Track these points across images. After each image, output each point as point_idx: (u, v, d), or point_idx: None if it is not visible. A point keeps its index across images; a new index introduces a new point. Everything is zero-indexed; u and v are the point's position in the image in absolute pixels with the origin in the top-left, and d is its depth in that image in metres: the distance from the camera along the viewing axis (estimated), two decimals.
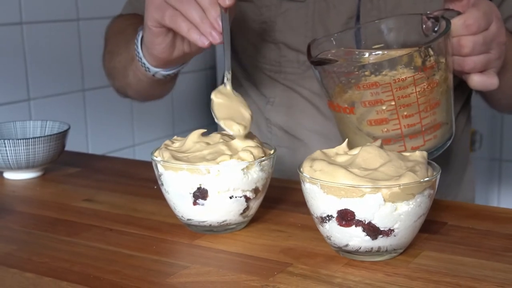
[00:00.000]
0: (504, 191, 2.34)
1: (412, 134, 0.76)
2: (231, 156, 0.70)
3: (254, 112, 1.06)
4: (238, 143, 0.74)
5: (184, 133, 0.79)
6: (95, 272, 0.65)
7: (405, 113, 0.75)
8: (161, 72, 0.91)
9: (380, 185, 0.62)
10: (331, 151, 0.70)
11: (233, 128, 0.73)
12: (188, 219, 0.73)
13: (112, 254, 0.69)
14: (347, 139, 0.72)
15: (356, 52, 0.79)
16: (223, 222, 0.73)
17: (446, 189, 1.07)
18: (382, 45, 0.82)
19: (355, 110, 0.76)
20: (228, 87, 0.77)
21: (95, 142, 1.70)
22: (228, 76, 0.77)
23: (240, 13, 1.02)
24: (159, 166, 0.73)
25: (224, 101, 0.76)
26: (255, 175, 0.72)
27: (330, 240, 0.67)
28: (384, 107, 0.74)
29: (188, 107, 1.99)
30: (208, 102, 1.92)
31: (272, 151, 0.75)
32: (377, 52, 0.77)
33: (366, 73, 0.74)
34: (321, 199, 0.64)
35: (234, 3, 0.76)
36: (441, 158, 1.06)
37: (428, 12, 0.78)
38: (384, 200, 0.62)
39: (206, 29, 0.77)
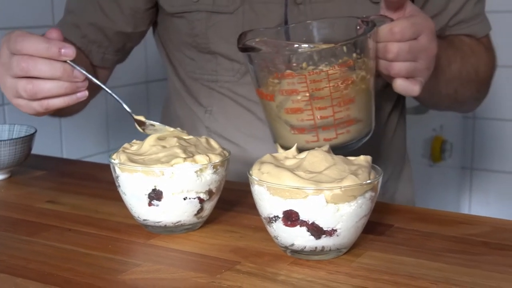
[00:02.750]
0: (475, 199, 2.38)
1: (325, 126, 0.79)
2: (185, 159, 0.73)
3: (194, 121, 1.11)
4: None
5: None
6: (50, 269, 0.67)
7: (318, 105, 0.78)
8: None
9: (323, 187, 0.65)
10: (280, 155, 0.73)
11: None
12: (144, 220, 0.76)
13: (68, 252, 0.72)
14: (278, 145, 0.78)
15: (282, 44, 0.82)
16: (177, 222, 0.76)
17: (383, 187, 1.11)
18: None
19: (274, 97, 0.79)
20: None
21: (69, 148, 1.72)
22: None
23: (174, 28, 1.06)
24: (116, 168, 0.75)
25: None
26: (209, 178, 0.75)
27: (278, 240, 0.70)
28: (299, 97, 0.78)
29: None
30: None
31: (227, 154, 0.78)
32: (303, 45, 0.80)
33: (287, 63, 0.77)
34: (268, 200, 0.67)
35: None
36: (374, 156, 1.11)
37: (364, 16, 0.81)
38: (326, 202, 0.65)
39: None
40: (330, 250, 0.68)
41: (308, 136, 0.80)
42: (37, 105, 0.83)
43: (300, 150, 0.74)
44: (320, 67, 0.76)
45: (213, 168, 0.75)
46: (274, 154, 0.73)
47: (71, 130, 1.72)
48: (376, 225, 0.77)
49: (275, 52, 0.80)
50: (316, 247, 0.68)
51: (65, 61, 0.80)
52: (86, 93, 0.82)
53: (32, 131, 1.01)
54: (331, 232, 0.67)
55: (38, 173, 1.03)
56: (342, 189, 0.65)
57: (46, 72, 0.80)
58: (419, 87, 0.81)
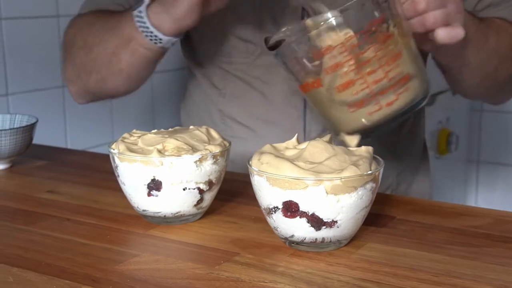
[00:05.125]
0: (481, 192, 2.37)
1: (382, 90, 0.75)
2: (178, 149, 0.73)
3: (208, 105, 1.10)
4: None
5: (161, 129, 0.82)
6: (47, 259, 0.66)
7: (367, 70, 0.74)
8: (172, 39, 0.94)
9: (323, 177, 0.64)
10: (281, 145, 0.72)
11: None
12: (143, 210, 0.75)
13: (65, 242, 0.71)
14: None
15: (307, 22, 0.78)
16: (177, 213, 0.75)
17: (397, 177, 1.10)
18: None
19: (321, 81, 0.76)
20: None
21: (74, 138, 1.71)
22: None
23: None
24: (115, 158, 0.75)
25: None
26: (208, 168, 0.74)
27: (277, 231, 0.69)
28: (345, 69, 0.74)
29: (168, 103, 2.01)
30: None
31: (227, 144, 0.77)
32: (326, 15, 0.77)
33: (320, 39, 0.74)
34: (267, 191, 0.66)
35: None
36: (393, 147, 1.09)
37: None
38: (326, 192, 0.64)
39: None
40: (330, 241, 0.67)
41: (369, 107, 0.76)
42: None
43: (370, 129, 0.73)
44: (354, 30, 0.73)
45: (213, 158, 0.74)
46: (275, 144, 0.72)
47: (76, 120, 1.71)
48: (378, 216, 0.76)
49: (303, 33, 0.76)
50: (316, 239, 0.67)
51: None
52: None
53: (34, 120, 1.01)
54: (331, 224, 0.66)
55: (39, 163, 1.03)
56: (343, 180, 0.64)
57: None
58: (461, 29, 0.79)
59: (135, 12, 0.94)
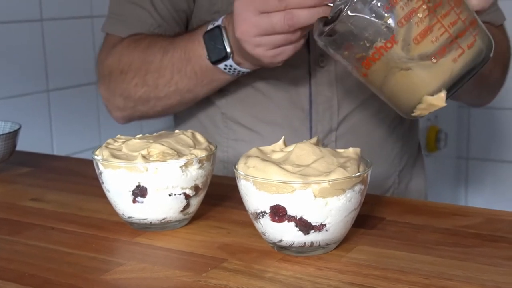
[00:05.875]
0: (471, 189, 2.37)
1: (460, 31, 0.71)
2: (163, 154, 0.71)
3: (209, 107, 1.08)
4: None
5: (147, 134, 0.80)
6: (31, 270, 0.65)
7: (442, 12, 0.70)
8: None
9: (310, 180, 0.63)
10: (267, 148, 0.71)
11: None
12: (129, 217, 0.74)
13: (50, 252, 0.70)
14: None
15: None
16: (163, 219, 0.74)
17: (398, 176, 1.10)
18: None
19: (395, 37, 0.70)
20: None
21: (60, 144, 1.70)
22: None
23: (194, 5, 1.03)
24: (99, 164, 0.73)
25: None
26: (194, 173, 0.73)
27: (265, 236, 0.68)
28: (420, 15, 0.70)
29: None
30: None
31: (213, 149, 0.76)
32: None
33: None
34: (254, 195, 0.65)
35: None
36: (394, 144, 1.08)
37: None
38: (314, 196, 0.63)
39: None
40: (319, 245, 0.66)
41: (452, 53, 0.71)
42: (280, 19, 0.80)
43: (455, 80, 0.70)
44: None
45: (199, 163, 0.73)
46: (261, 148, 0.71)
47: (62, 125, 1.70)
48: (367, 218, 0.75)
49: None
50: (305, 243, 0.66)
51: None
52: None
53: (16, 127, 0.99)
54: (319, 227, 0.65)
55: (23, 170, 1.01)
56: (330, 182, 0.63)
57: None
58: None
59: (221, 66, 0.92)
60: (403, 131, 1.10)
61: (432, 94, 0.72)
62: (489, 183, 2.33)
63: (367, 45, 0.71)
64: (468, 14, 0.73)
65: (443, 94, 0.72)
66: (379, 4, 0.69)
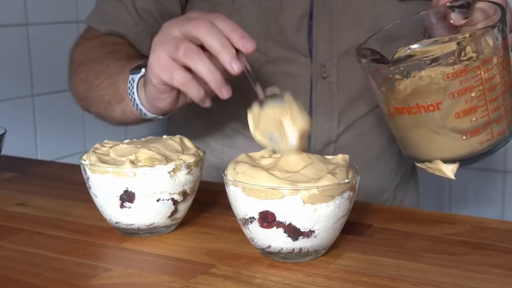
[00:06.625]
0: (455, 197, 2.38)
1: (498, 118, 0.72)
2: (151, 159, 0.71)
3: (205, 114, 1.06)
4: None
5: (134, 139, 0.80)
6: (17, 275, 0.64)
7: (492, 97, 0.70)
8: (159, 117, 0.89)
9: (299, 187, 0.63)
10: (256, 154, 0.71)
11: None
12: (116, 222, 0.74)
13: (36, 257, 0.69)
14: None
15: (433, 40, 0.75)
16: (151, 225, 0.73)
17: (393, 191, 1.10)
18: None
19: (441, 105, 0.70)
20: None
21: (44, 148, 1.68)
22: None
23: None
24: (86, 169, 0.73)
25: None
26: (182, 178, 0.72)
27: (254, 241, 0.68)
28: (473, 94, 0.69)
29: None
30: None
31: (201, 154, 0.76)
32: (453, 37, 0.73)
33: (451, 60, 0.68)
34: (243, 201, 0.65)
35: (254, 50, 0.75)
36: (391, 160, 1.08)
37: (450, 3, 0.75)
38: (303, 202, 0.63)
39: (217, 86, 0.76)
40: (308, 251, 0.66)
41: (482, 135, 0.71)
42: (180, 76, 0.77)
43: (471, 159, 0.70)
44: (489, 54, 0.69)
45: (187, 168, 0.72)
46: (250, 154, 0.71)
47: (46, 130, 1.68)
48: (355, 225, 0.75)
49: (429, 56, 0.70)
50: (293, 249, 0.66)
51: None
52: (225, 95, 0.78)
53: (2, 131, 0.98)
54: (308, 233, 0.65)
55: (8, 175, 1.00)
56: (320, 189, 0.63)
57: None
58: None
59: (129, 78, 0.88)
60: (398, 148, 1.10)
61: (445, 161, 0.72)
62: (471, 192, 2.34)
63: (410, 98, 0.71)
64: (511, 100, 0.73)
65: (455, 168, 0.73)
66: (436, 75, 0.69)
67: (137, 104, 0.87)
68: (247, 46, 0.74)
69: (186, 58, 0.75)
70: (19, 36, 1.59)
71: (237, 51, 0.74)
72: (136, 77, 0.86)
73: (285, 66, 1.00)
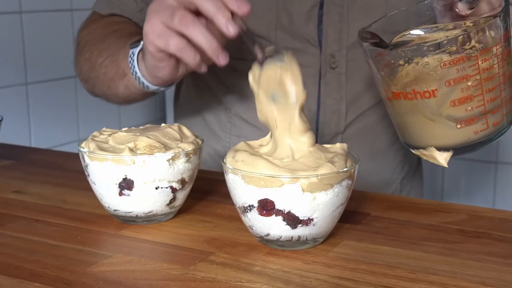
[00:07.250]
0: (447, 187, 2.39)
1: (494, 108, 0.72)
2: (150, 147, 0.71)
3: (213, 102, 1.07)
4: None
5: (131, 127, 0.80)
6: (16, 261, 0.64)
7: (489, 87, 0.71)
8: (161, 88, 0.90)
9: (299, 175, 0.63)
10: (255, 143, 0.71)
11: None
12: (115, 210, 0.74)
13: (35, 244, 0.69)
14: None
15: (432, 28, 0.75)
16: (149, 212, 0.73)
17: (400, 184, 1.10)
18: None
19: (437, 92, 0.70)
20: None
21: (38, 137, 1.68)
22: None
23: None
24: (85, 157, 0.73)
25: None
26: (181, 166, 0.73)
27: (253, 229, 0.68)
28: (469, 83, 0.70)
29: None
30: (156, 97, 1.91)
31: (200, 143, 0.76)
32: (457, 24, 0.73)
33: (451, 48, 0.69)
34: (242, 189, 0.66)
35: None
36: (398, 153, 1.08)
37: None
38: (303, 190, 0.63)
39: (214, 52, 0.76)
40: (306, 239, 0.67)
41: (477, 125, 0.72)
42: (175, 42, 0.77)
43: (466, 148, 0.70)
44: (489, 43, 0.69)
45: (186, 156, 0.73)
46: (249, 142, 0.71)
47: (40, 118, 1.68)
48: (353, 213, 0.76)
49: (427, 42, 0.70)
50: (292, 237, 0.66)
51: None
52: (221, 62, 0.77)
53: None
54: (307, 222, 0.65)
55: (4, 162, 1.00)
56: (319, 177, 0.63)
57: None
58: None
59: (130, 52, 0.89)
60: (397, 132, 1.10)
61: (439, 149, 0.73)
62: (463, 183, 2.35)
63: (402, 83, 0.71)
64: (510, 91, 0.73)
65: (448, 156, 0.73)
66: (433, 62, 0.69)
67: (138, 77, 0.88)
68: (242, 7, 0.74)
69: (182, 27, 0.76)
70: (13, 24, 1.59)
71: (233, 14, 0.74)
72: (136, 50, 0.87)
73: (295, 56, 1.00)
